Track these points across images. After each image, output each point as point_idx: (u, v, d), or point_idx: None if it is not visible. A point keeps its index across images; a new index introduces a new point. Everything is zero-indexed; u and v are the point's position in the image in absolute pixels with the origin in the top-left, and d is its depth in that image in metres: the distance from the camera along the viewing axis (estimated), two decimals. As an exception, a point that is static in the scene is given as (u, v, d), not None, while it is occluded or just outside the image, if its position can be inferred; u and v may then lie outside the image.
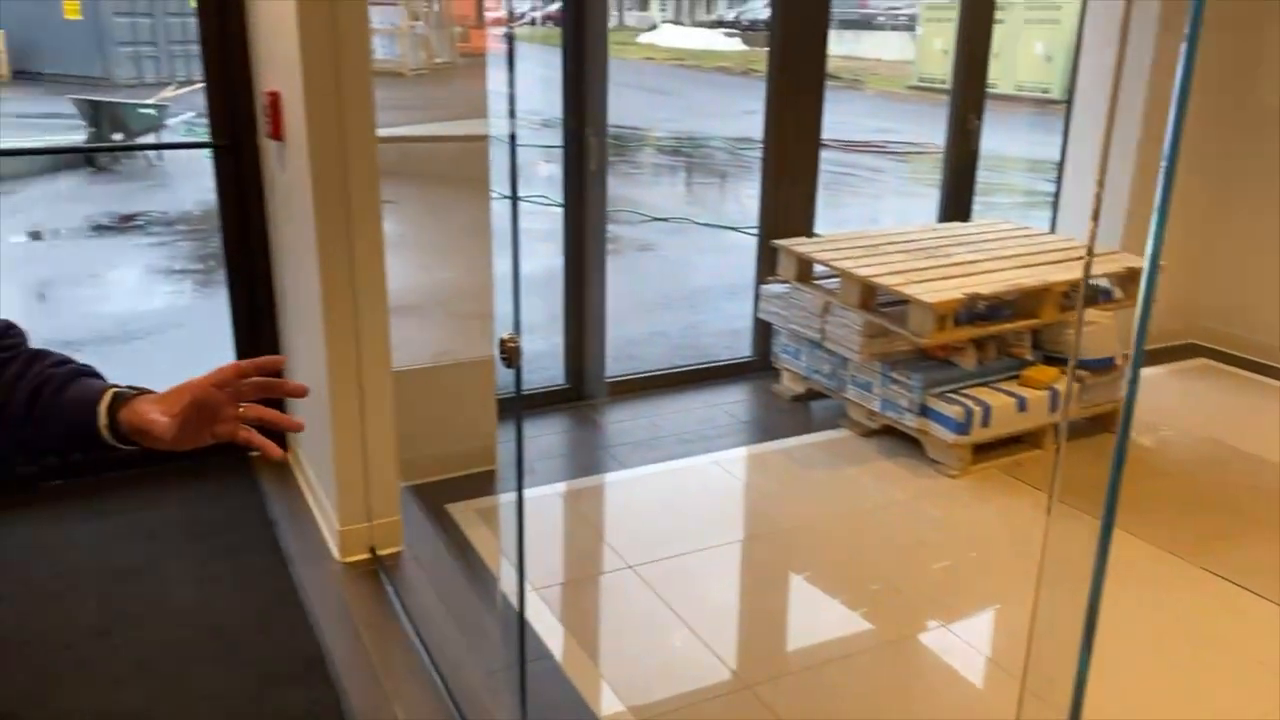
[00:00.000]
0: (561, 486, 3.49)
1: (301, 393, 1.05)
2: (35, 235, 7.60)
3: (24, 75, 15.22)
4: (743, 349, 4.55)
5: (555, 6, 4.00)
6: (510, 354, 1.65)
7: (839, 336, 3.74)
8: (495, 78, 3.17)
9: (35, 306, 5.93)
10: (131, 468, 3.23)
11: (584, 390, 4.08)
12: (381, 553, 2.89)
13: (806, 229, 4.33)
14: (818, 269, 3.93)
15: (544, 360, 4.09)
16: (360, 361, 2.76)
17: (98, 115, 9.83)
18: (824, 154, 4.43)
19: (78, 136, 9.90)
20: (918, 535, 3.20)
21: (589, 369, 4.06)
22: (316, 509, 3.11)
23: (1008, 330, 3.69)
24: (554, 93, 3.83)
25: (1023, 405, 3.57)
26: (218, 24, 3.11)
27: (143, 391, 1.07)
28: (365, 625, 2.60)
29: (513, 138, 2.08)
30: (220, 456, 3.42)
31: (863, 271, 3.64)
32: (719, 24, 24.15)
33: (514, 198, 1.98)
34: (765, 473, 3.69)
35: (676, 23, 25.58)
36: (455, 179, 3.46)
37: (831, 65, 4.51)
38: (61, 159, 9.66)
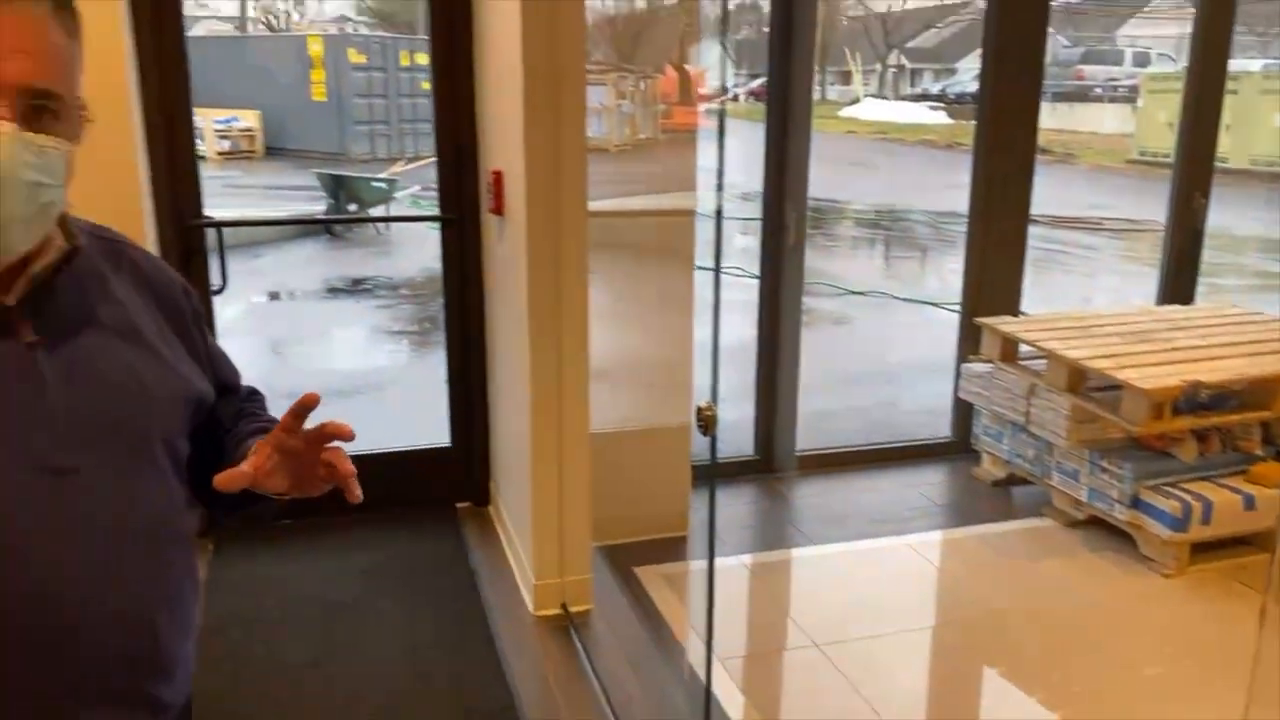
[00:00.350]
0: (748, 558, 3.49)
1: (348, 435, 1.03)
2: (274, 295, 8.40)
3: (275, 151, 16.96)
4: (941, 429, 4.43)
5: (760, 82, 4.11)
6: (707, 421, 1.71)
7: (1044, 420, 3.59)
8: (702, 151, 3.30)
9: (271, 361, 6.55)
10: (346, 513, 3.49)
11: (773, 462, 4.08)
12: (572, 609, 2.99)
13: (1012, 307, 4.20)
14: (1023, 349, 3.80)
15: (733, 430, 4.12)
16: (561, 423, 2.90)
17: (336, 188, 10.82)
18: (1033, 230, 4.31)
19: (319, 207, 10.93)
20: (1125, 637, 2.99)
21: (779, 441, 4.07)
22: (513, 561, 3.26)
23: (1234, 422, 3.43)
24: (754, 166, 3.93)
25: (1250, 503, 3.30)
26: (451, 111, 3.40)
27: None
28: (555, 678, 2.69)
29: (719, 211, 2.17)
30: (426, 506, 3.65)
31: (1072, 353, 3.49)
32: (924, 97, 23.93)
33: (717, 269, 2.06)
34: (961, 559, 3.56)
35: (880, 97, 25.54)
36: (655, 250, 3.59)
37: (1043, 138, 4.40)
38: (304, 226, 10.69)
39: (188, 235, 3.24)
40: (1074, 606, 3.16)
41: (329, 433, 1.03)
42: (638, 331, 3.71)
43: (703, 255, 3.50)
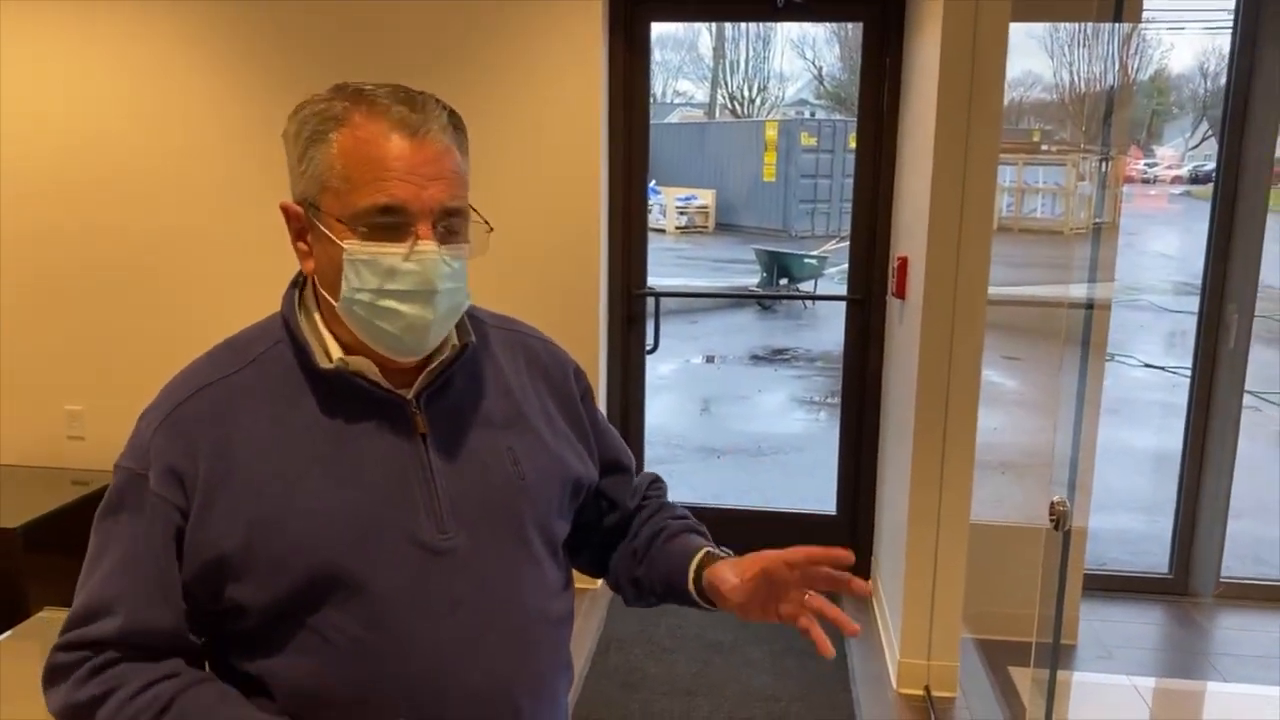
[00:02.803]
0: (1150, 681, 3.22)
1: (865, 593, 1.03)
2: (709, 359, 9.10)
3: (724, 227, 18.34)
4: None
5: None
6: (1059, 517, 1.71)
7: None
8: (1160, 237, 3.15)
9: (696, 417, 7.13)
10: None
11: (1189, 584, 3.70)
12: (935, 694, 2.98)
13: None
14: None
15: (1147, 543, 3.81)
16: (940, 507, 2.93)
17: (771, 263, 11.49)
18: None
19: (754, 279, 11.66)
20: None
21: (1198, 562, 3.68)
22: (883, 635, 3.31)
23: None
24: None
25: None
26: (869, 196, 3.61)
27: (729, 556, 1.15)
28: (906, 756, 2.71)
29: (1098, 304, 2.12)
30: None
31: None
32: None
33: (1084, 361, 2.04)
34: None
35: None
36: (1070, 338, 3.47)
37: None
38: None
39: (632, 302, 3.76)
40: None
41: (853, 590, 1.03)
42: (1041, 423, 3.60)
43: (1152, 350, 3.32)
